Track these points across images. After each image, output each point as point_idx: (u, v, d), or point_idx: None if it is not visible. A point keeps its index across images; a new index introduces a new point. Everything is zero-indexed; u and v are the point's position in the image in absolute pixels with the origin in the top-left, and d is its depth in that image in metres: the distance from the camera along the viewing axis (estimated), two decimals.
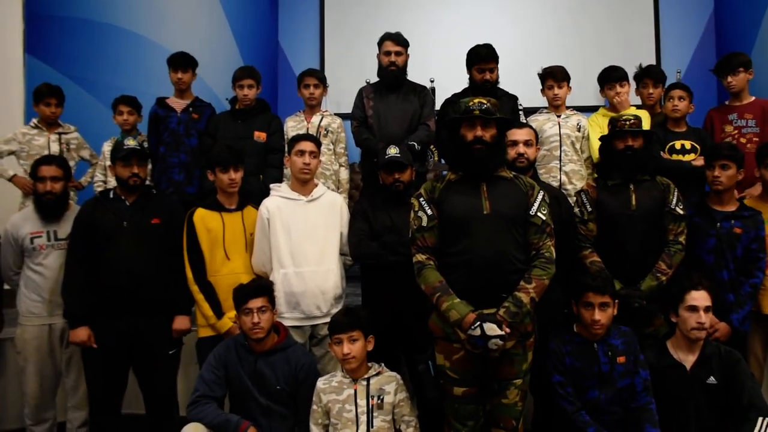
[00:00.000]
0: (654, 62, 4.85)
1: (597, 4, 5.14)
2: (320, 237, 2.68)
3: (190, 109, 3.50)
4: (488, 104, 2.15)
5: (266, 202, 2.71)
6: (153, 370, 2.65)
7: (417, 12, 5.28)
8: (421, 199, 2.18)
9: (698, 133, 3.25)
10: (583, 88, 4.06)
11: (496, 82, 3.29)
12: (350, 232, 2.70)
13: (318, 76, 3.57)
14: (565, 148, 3.27)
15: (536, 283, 2.06)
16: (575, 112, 3.44)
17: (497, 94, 3.26)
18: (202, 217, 2.68)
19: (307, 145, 2.72)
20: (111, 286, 2.55)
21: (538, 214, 2.14)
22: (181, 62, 3.47)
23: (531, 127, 2.81)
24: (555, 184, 3.18)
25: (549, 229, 2.15)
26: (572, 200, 2.84)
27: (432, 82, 4.53)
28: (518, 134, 2.65)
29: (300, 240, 2.65)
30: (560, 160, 3.25)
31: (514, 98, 3.33)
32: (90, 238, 2.59)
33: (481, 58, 3.22)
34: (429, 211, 2.14)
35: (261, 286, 2.41)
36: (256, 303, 2.36)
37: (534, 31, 5.23)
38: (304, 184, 2.74)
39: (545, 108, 3.45)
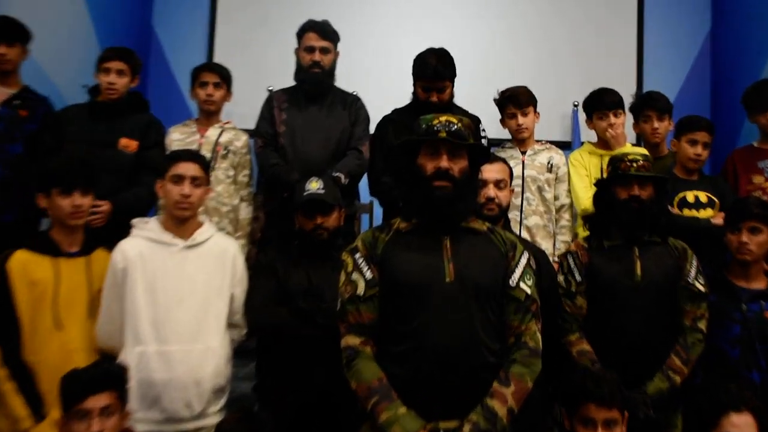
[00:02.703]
0: (634, 87, 4.93)
1: (574, 9, 5.13)
2: (199, 300, 2.57)
3: (15, 102, 3.22)
4: (459, 125, 2.12)
5: (123, 246, 2.57)
6: None
7: (343, 3, 5.10)
8: (357, 255, 2.14)
9: (715, 182, 3.28)
10: (556, 119, 4.17)
11: (450, 100, 3.30)
12: (249, 294, 2.67)
13: (221, 73, 3.54)
14: (528, 195, 3.34)
15: (516, 386, 1.97)
16: (547, 145, 3.51)
17: (454, 112, 3.27)
18: (24, 263, 2.49)
19: (187, 168, 2.61)
20: None
21: (521, 285, 2.09)
22: (4, 31, 3.21)
23: (504, 161, 2.80)
24: None
25: (535, 308, 2.09)
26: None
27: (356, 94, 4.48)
28: (489, 171, 2.63)
29: (169, 304, 2.52)
30: (521, 210, 3.31)
31: (476, 120, 3.34)
32: None
33: (428, 74, 3.21)
34: (368, 274, 2.09)
35: (107, 374, 2.15)
36: (97, 402, 2.06)
37: (492, 36, 5.11)
38: (181, 222, 2.63)
39: (508, 141, 3.53)
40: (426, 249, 2.08)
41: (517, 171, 3.30)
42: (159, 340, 2.48)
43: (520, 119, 3.37)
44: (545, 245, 3.28)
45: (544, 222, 3.33)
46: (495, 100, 3.47)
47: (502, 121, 3.47)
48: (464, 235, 2.12)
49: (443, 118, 2.12)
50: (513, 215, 3.26)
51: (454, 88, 3.30)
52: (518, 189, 3.30)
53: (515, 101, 3.37)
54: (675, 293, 2.54)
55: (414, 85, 3.31)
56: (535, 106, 3.43)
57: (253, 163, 3.52)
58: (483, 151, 2.21)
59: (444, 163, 2.07)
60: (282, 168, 3.24)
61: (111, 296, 2.52)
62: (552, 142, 3.57)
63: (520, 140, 3.42)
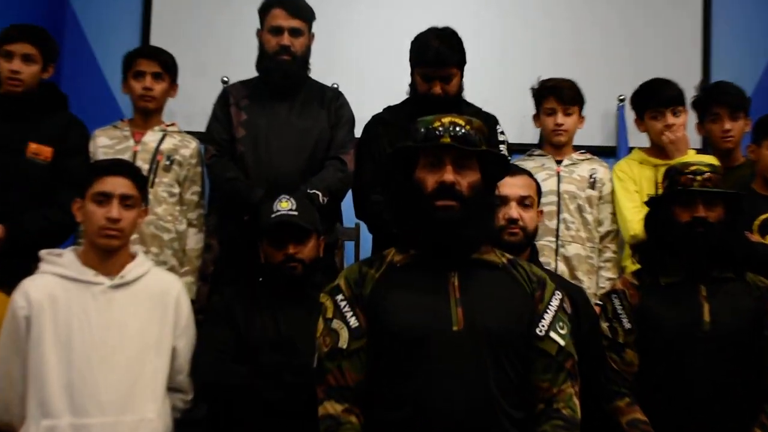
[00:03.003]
0: (700, 77, 4.89)
1: None
2: (130, 357, 2.54)
3: None
4: (468, 127, 2.12)
5: (27, 286, 2.53)
6: None
7: None
8: (339, 297, 2.14)
9: None
10: (596, 118, 4.15)
11: (459, 93, 3.35)
12: (198, 348, 2.67)
13: (163, 59, 3.52)
14: (566, 216, 3.35)
15: None
16: (587, 155, 3.55)
17: (462, 112, 3.27)
18: None
19: (116, 184, 2.59)
20: None
21: (553, 335, 2.08)
22: None
23: (529, 173, 2.78)
24: None
25: (571, 365, 2.09)
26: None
27: (336, 87, 4.46)
28: (510, 186, 2.59)
29: (89, 362, 2.48)
30: (557, 236, 3.34)
31: (491, 120, 3.36)
32: None
33: (428, 59, 3.25)
34: (353, 322, 2.08)
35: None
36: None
37: (514, 11, 5.00)
38: (107, 255, 2.60)
39: (536, 148, 3.57)
40: (428, 289, 2.08)
41: (550, 185, 3.34)
42: (74, 411, 2.42)
43: (561, 118, 3.41)
44: (588, 283, 3.30)
45: (587, 252, 3.36)
46: (533, 89, 3.52)
47: (536, 117, 3.53)
48: (477, 270, 2.11)
49: (447, 119, 2.11)
50: (547, 242, 3.32)
51: (464, 79, 3.32)
52: (552, 208, 3.33)
53: (559, 95, 3.40)
54: (756, 345, 2.53)
55: (412, 74, 3.33)
56: (581, 108, 3.49)
57: (205, 177, 3.51)
58: (500, 161, 2.21)
59: (448, 176, 2.06)
60: (241, 183, 3.23)
61: (9, 353, 2.48)
62: (591, 149, 3.61)
63: (555, 146, 3.46)
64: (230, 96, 3.41)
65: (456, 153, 2.08)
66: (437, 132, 2.10)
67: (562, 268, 3.27)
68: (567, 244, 3.32)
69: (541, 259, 3.22)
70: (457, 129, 2.09)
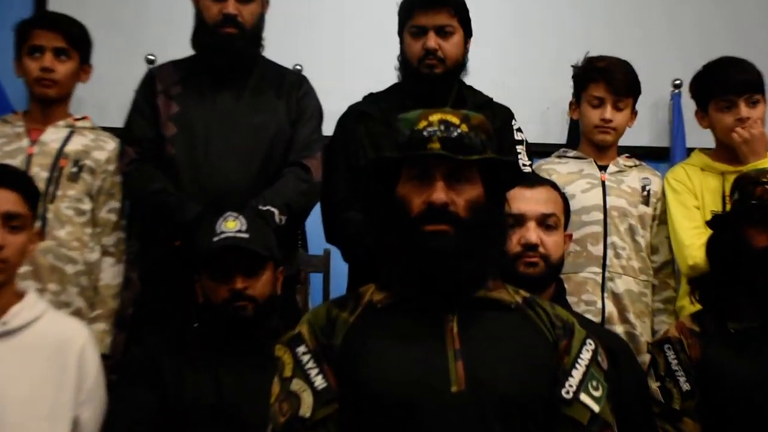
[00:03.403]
0: None
1: None
2: (14, 429, 2.56)
3: None
4: (464, 127, 2.12)
5: None
6: None
7: None
8: (301, 349, 2.12)
9: None
10: (642, 109, 4.06)
11: (461, 63, 3.40)
12: (109, 418, 2.68)
13: (69, 31, 3.52)
14: (614, 239, 3.40)
15: None
16: (635, 161, 3.61)
17: (465, 100, 3.42)
18: None
19: None
20: None
21: (584, 398, 2.06)
22: None
23: (553, 185, 2.79)
24: (592, 317, 3.21)
25: None
26: (642, 359, 2.93)
27: (299, 69, 4.53)
28: (527, 201, 2.63)
29: None
30: (604, 266, 3.38)
31: (502, 114, 3.45)
32: None
33: (419, 1, 3.33)
34: (318, 381, 2.05)
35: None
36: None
37: None
38: None
39: (567, 150, 3.64)
40: (418, 337, 2.06)
41: (593, 198, 3.41)
42: None
43: (610, 112, 3.42)
44: (641, 328, 3.33)
45: (640, 287, 3.39)
46: (575, 69, 3.56)
47: (574, 106, 3.57)
48: (482, 313, 2.11)
49: (436, 117, 2.10)
50: (591, 274, 3.36)
51: (469, 55, 3.38)
52: (597, 229, 3.38)
53: (610, 81, 3.42)
54: None
55: (402, 40, 3.41)
56: (635, 100, 3.51)
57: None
58: (510, 168, 2.20)
59: (438, 195, 2.05)
60: (172, 197, 3.23)
61: None
62: (637, 151, 3.65)
63: (598, 146, 3.49)
64: (157, 81, 3.41)
65: (448, 163, 2.08)
66: (423, 135, 2.09)
67: (611, 309, 3.31)
68: (616, 276, 3.34)
69: (584, 297, 3.35)
70: (450, 130, 2.09)
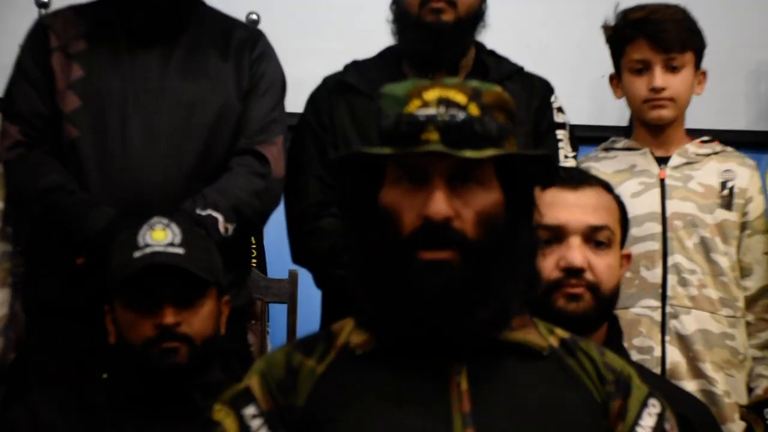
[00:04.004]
0: None
1: None
2: None
3: None
4: (473, 108, 2.07)
5: None
6: None
7: None
8: (250, 411, 2.10)
9: None
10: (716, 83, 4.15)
11: (477, 14, 3.50)
12: None
13: None
14: (679, 260, 3.51)
15: None
16: (716, 146, 3.67)
17: (486, 67, 3.56)
18: None
19: None
20: None
21: None
22: None
23: (606, 186, 2.80)
24: (650, 368, 3.18)
25: None
26: (728, 430, 3.14)
27: (254, 21, 4.66)
28: (570, 208, 2.65)
29: None
30: (664, 297, 3.49)
31: (544, 87, 3.60)
32: None
33: None
34: None
35: None
36: None
37: None
38: None
39: (620, 137, 3.73)
40: (412, 397, 2.03)
41: (648, 204, 3.49)
42: None
43: (661, 78, 3.48)
44: (723, 384, 3.39)
45: (721, 326, 3.45)
46: (607, 30, 3.63)
47: (615, 81, 3.66)
48: (501, 362, 2.08)
49: (433, 93, 2.04)
50: (645, 309, 3.45)
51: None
52: (654, 246, 3.46)
53: (655, 34, 3.48)
54: None
55: None
56: (699, 56, 3.58)
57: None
58: (541, 163, 2.17)
59: (437, 206, 2.00)
60: (74, 198, 3.26)
61: None
62: (724, 136, 3.73)
63: (653, 128, 3.56)
64: (51, 34, 3.41)
65: (452, 161, 2.03)
66: (416, 120, 2.04)
67: (675, 358, 3.38)
68: (682, 312, 3.41)
69: (636, 342, 3.41)
70: (453, 113, 2.03)
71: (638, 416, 2.09)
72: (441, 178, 2.03)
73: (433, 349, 2.06)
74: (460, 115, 2.04)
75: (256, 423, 2.06)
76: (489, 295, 2.06)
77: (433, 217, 2.00)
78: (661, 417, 2.11)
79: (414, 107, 2.06)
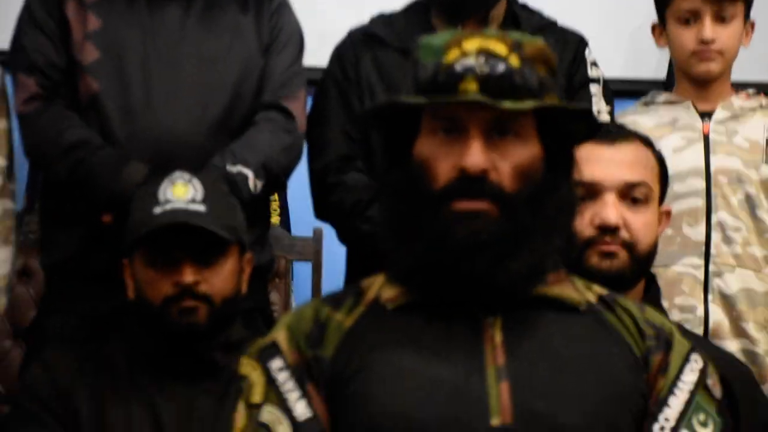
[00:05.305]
0: None
1: None
2: None
3: None
4: (514, 59, 2.08)
5: None
6: None
7: None
8: (277, 364, 2.10)
9: None
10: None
11: None
12: None
13: None
14: (723, 217, 3.52)
15: None
16: (764, 101, 3.67)
17: (520, 23, 3.51)
18: None
19: None
20: None
21: None
22: None
23: (646, 139, 2.79)
24: (692, 328, 3.21)
25: None
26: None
27: None
28: (606, 164, 2.65)
29: None
30: (707, 256, 3.50)
31: (578, 41, 3.57)
32: None
33: None
34: (300, 409, 2.04)
35: None
36: None
37: None
38: None
39: (660, 90, 3.75)
40: (444, 350, 2.04)
41: (692, 159, 3.49)
42: None
43: (710, 29, 3.46)
44: (765, 344, 3.42)
45: (766, 286, 3.46)
46: None
47: (658, 30, 3.65)
48: (536, 315, 2.09)
49: (473, 44, 2.04)
50: (687, 268, 3.47)
51: None
52: (697, 203, 3.47)
53: None
54: None
55: None
56: (748, 4, 3.57)
57: (17, 145, 3.51)
58: (581, 118, 2.19)
59: (475, 158, 2.01)
60: (102, 153, 3.21)
61: None
62: (765, 89, 3.65)
63: (700, 81, 3.53)
64: None
65: (490, 113, 2.05)
66: (454, 71, 2.03)
67: (719, 317, 3.39)
68: (726, 270, 3.43)
69: (678, 301, 3.44)
70: (493, 63, 2.03)
71: (680, 371, 2.10)
72: (478, 129, 2.05)
73: (466, 302, 2.08)
74: (500, 67, 2.05)
75: (282, 376, 2.08)
76: (524, 249, 2.07)
77: (470, 169, 2.02)
78: (703, 372, 2.12)
79: (453, 57, 2.06)
